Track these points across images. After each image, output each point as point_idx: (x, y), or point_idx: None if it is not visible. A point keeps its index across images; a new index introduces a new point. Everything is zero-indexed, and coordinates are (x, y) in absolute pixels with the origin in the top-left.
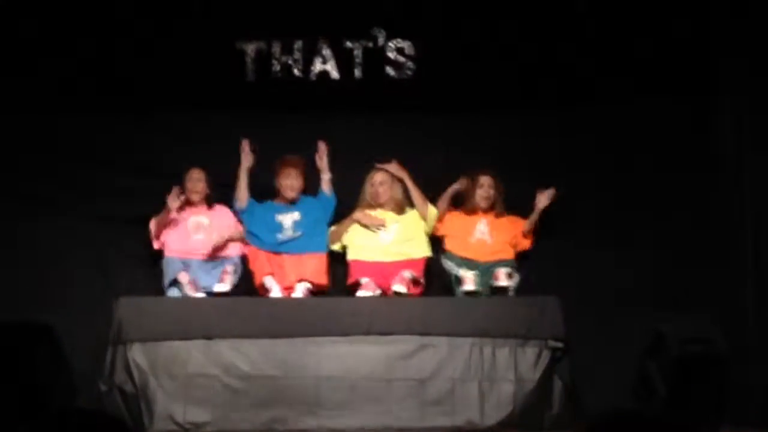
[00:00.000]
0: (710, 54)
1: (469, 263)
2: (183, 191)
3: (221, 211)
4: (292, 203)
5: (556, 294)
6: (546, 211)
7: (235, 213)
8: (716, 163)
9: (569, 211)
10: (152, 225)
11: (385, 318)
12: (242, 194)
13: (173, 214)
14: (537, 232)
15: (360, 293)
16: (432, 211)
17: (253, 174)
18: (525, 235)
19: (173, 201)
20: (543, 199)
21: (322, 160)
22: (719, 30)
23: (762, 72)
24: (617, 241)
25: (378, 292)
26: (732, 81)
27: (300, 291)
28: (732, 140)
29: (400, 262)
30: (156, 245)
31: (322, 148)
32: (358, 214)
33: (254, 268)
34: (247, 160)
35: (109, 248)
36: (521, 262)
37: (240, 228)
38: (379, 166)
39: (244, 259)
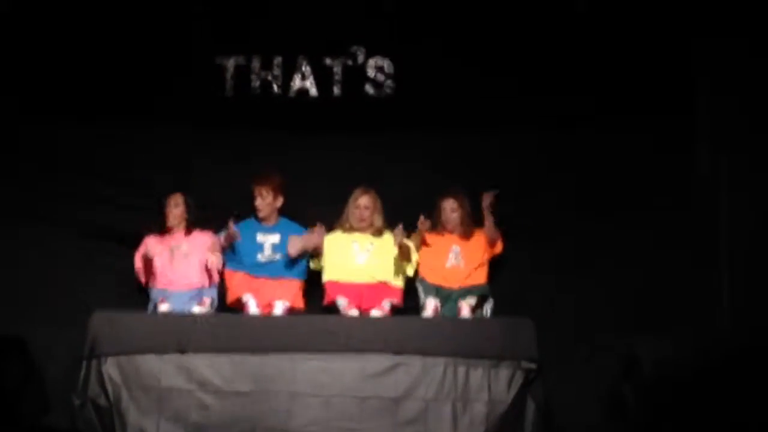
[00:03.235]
0: (690, 73)
1: (441, 291)
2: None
3: (199, 237)
4: (271, 224)
5: (530, 315)
6: (510, 218)
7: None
8: (691, 182)
9: (545, 231)
10: (137, 260)
11: (360, 336)
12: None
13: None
14: (505, 235)
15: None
16: (415, 258)
17: (229, 193)
18: (491, 244)
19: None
20: (486, 199)
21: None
22: (698, 49)
23: (742, 92)
24: (591, 262)
25: (354, 312)
26: (711, 100)
27: (280, 308)
28: (709, 160)
29: (376, 285)
30: (143, 280)
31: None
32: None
33: (230, 286)
34: (232, 237)
35: (86, 262)
36: (495, 282)
37: (217, 249)
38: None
39: (222, 289)
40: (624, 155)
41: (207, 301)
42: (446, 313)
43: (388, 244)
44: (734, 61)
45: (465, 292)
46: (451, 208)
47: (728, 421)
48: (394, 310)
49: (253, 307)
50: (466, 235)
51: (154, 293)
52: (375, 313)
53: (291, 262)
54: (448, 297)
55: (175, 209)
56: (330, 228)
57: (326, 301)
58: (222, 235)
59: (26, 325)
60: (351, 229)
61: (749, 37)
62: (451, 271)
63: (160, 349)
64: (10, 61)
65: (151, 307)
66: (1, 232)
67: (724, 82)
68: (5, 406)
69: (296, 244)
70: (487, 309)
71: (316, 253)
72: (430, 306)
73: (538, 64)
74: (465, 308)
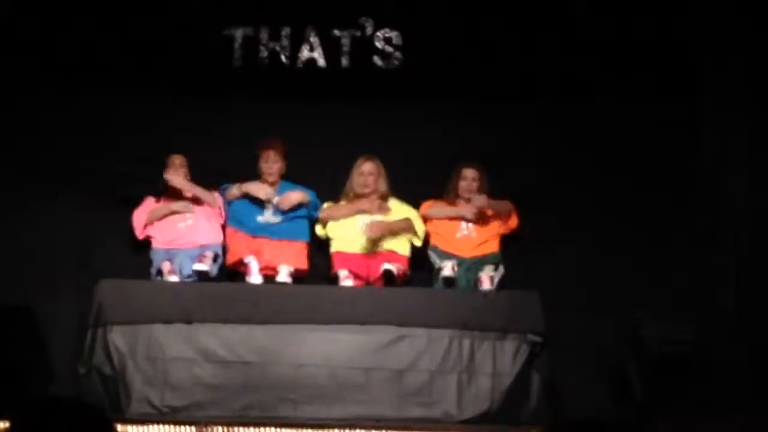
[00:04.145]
0: (694, 57)
1: (453, 258)
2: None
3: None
4: (273, 188)
5: (538, 289)
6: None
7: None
8: (698, 164)
9: (553, 207)
10: (135, 217)
11: (366, 308)
12: (233, 198)
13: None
14: (520, 209)
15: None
16: (421, 228)
17: (240, 163)
18: (503, 220)
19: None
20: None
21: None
22: (704, 34)
23: (747, 72)
24: (599, 240)
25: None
26: (716, 84)
27: (284, 274)
28: (715, 142)
29: (382, 254)
30: (140, 236)
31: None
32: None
33: (231, 246)
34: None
35: (93, 231)
36: (504, 256)
37: (218, 200)
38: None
39: (225, 249)
40: (627, 134)
41: (208, 255)
42: (458, 282)
43: (392, 211)
44: (735, 43)
45: (478, 262)
46: (472, 177)
47: (733, 400)
48: (403, 278)
49: (254, 270)
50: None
51: (158, 254)
52: (386, 265)
53: (292, 224)
54: (459, 266)
55: (181, 170)
56: (335, 198)
57: (333, 271)
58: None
59: (32, 293)
60: (355, 197)
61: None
62: (463, 240)
63: (166, 319)
64: (24, 29)
65: (154, 268)
66: (7, 202)
67: (725, 64)
68: (12, 375)
69: (289, 198)
70: (496, 278)
71: (324, 219)
72: (448, 266)
73: (548, 37)
74: (486, 280)
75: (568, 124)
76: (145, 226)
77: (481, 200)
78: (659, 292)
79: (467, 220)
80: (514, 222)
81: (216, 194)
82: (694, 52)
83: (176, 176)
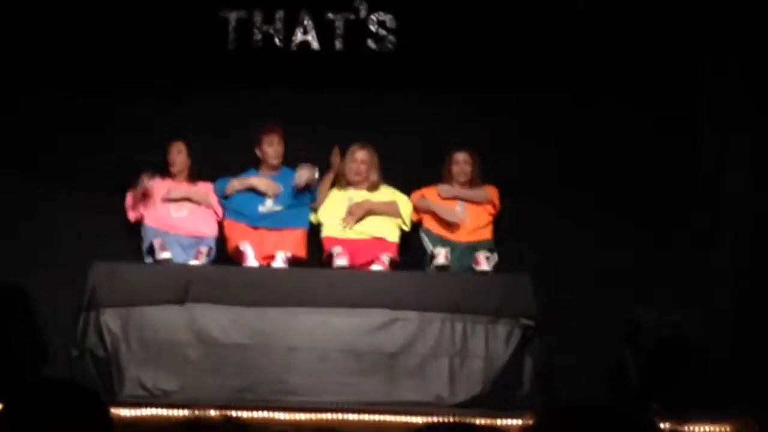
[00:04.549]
0: (694, 57)
1: (446, 242)
2: (154, 173)
3: (203, 187)
4: (273, 174)
5: (534, 274)
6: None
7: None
8: (698, 164)
9: (546, 192)
10: (128, 198)
11: (358, 291)
12: (233, 192)
13: (148, 189)
14: (515, 199)
15: (337, 262)
16: (407, 210)
17: (234, 146)
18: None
19: (145, 183)
20: None
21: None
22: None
23: (747, 72)
24: (598, 232)
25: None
26: (716, 84)
27: (280, 260)
28: (715, 142)
29: (372, 241)
30: (132, 217)
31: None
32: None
33: (229, 236)
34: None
35: (88, 213)
36: (498, 241)
37: (212, 200)
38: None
39: (218, 242)
40: (627, 134)
41: (204, 250)
42: (452, 268)
43: (384, 199)
44: (735, 43)
45: (471, 248)
46: (464, 161)
47: (730, 386)
48: (393, 264)
49: (251, 256)
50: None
51: (150, 231)
52: (375, 267)
53: (292, 212)
54: (452, 250)
55: (179, 156)
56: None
57: (325, 256)
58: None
59: (27, 275)
60: (347, 184)
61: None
62: (456, 225)
63: (159, 301)
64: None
65: (145, 244)
66: (3, 184)
67: (725, 64)
68: (6, 357)
69: (304, 175)
70: (492, 261)
71: (315, 204)
72: (441, 253)
73: (545, 23)
74: (483, 261)
75: (569, 110)
76: (138, 206)
77: (453, 190)
78: (658, 288)
79: (462, 199)
80: (495, 205)
81: (210, 193)
82: (694, 52)
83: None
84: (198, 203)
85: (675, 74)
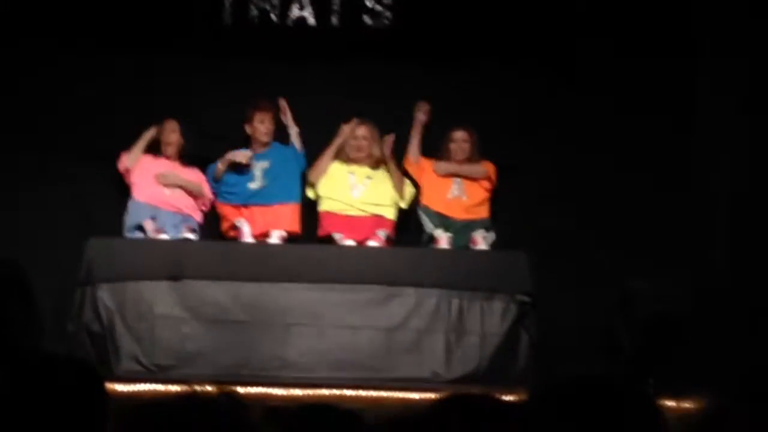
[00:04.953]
0: (692, 15)
1: (445, 221)
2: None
3: (195, 176)
4: (263, 151)
5: (527, 249)
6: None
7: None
8: (692, 123)
9: (544, 165)
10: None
11: (354, 266)
12: (220, 173)
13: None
14: (510, 172)
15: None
16: (410, 189)
17: (229, 122)
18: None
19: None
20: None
21: (287, 116)
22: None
23: (746, 36)
24: (588, 199)
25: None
26: (714, 42)
27: (275, 238)
28: (710, 102)
29: (370, 218)
30: (122, 167)
31: (284, 105)
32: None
33: (223, 216)
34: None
35: (85, 188)
36: (494, 217)
37: (205, 190)
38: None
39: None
40: (625, 94)
41: (189, 228)
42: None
43: (385, 176)
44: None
45: (468, 226)
46: (463, 139)
47: (724, 358)
48: (389, 242)
49: (247, 233)
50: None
51: (140, 207)
52: (371, 243)
53: (283, 185)
54: (449, 227)
55: (172, 135)
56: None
57: (321, 232)
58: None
59: (23, 251)
60: (348, 160)
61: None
62: (453, 202)
63: (154, 276)
64: None
65: (132, 221)
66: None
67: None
68: (2, 332)
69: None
70: (489, 239)
71: (311, 177)
72: (443, 238)
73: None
74: (480, 240)
75: (564, 83)
76: (130, 171)
77: (450, 167)
78: (649, 252)
79: (458, 176)
80: (492, 180)
81: (204, 184)
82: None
83: (170, 173)
84: (190, 193)
85: (672, 46)
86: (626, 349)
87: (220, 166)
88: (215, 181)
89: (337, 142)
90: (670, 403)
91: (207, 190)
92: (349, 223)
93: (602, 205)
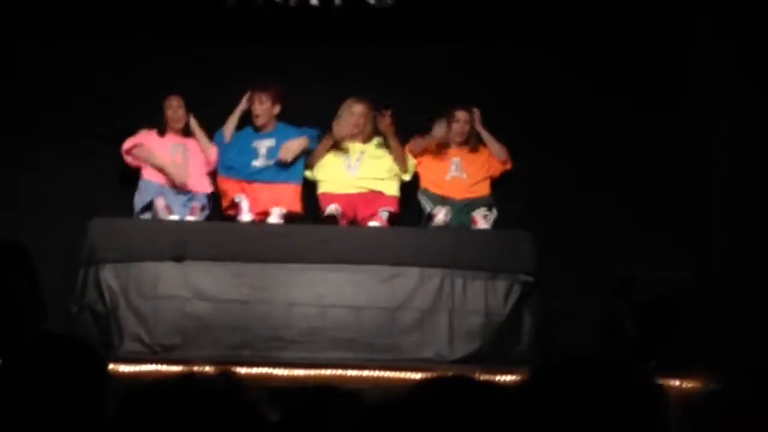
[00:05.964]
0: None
1: (445, 201)
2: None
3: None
4: (268, 130)
5: (531, 230)
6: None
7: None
8: (689, 107)
9: (549, 148)
10: (126, 144)
11: (356, 247)
12: (229, 131)
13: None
14: (514, 150)
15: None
16: (411, 162)
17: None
18: (501, 162)
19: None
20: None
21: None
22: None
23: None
24: (593, 182)
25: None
26: (712, 25)
27: (276, 215)
28: (707, 84)
29: (370, 195)
30: (125, 147)
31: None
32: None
33: (224, 192)
34: (244, 105)
35: (87, 169)
36: (497, 196)
37: (213, 155)
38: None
39: (212, 197)
40: (626, 78)
41: (197, 206)
42: (451, 225)
43: (378, 149)
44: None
45: (469, 205)
46: (465, 120)
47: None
48: (392, 219)
49: (245, 209)
50: (471, 150)
51: (151, 186)
52: (373, 223)
53: (286, 166)
54: (450, 208)
55: (179, 110)
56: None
57: (321, 212)
58: None
59: (26, 231)
60: (341, 139)
61: None
62: (453, 182)
63: (157, 257)
64: None
65: (142, 199)
66: (2, 139)
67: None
68: (5, 312)
69: (290, 148)
70: (491, 218)
71: (309, 162)
72: (441, 212)
73: None
74: (480, 220)
75: (569, 64)
76: (133, 152)
77: (423, 142)
78: (650, 235)
79: (455, 144)
80: (507, 166)
81: (213, 147)
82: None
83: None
84: (200, 149)
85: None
86: (628, 330)
87: (227, 133)
88: (226, 143)
89: (331, 136)
90: (673, 382)
91: (214, 153)
92: (348, 201)
93: (606, 184)
